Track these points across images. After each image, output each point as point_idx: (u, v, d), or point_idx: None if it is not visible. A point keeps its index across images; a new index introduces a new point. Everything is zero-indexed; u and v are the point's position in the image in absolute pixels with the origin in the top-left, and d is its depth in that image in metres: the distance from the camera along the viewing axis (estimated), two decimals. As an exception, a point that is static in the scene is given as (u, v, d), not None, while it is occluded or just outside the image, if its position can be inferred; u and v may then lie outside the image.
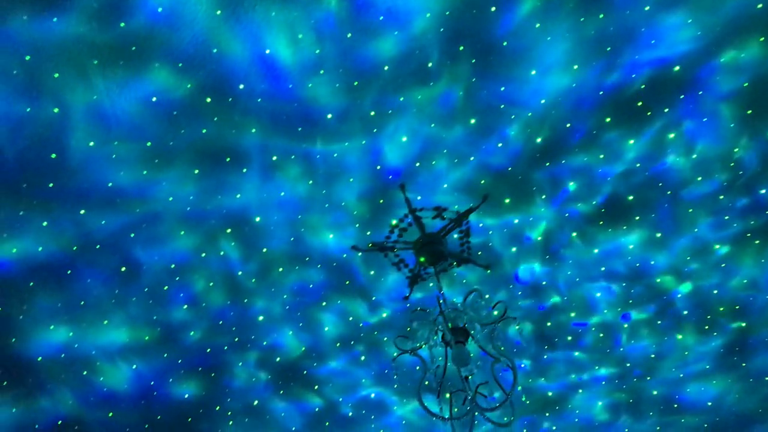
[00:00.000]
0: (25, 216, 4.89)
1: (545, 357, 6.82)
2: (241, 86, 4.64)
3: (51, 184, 4.78)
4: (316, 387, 6.65)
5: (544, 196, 5.62)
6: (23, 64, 4.24)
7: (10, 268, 5.11)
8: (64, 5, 4.10)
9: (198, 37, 4.35)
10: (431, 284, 6.02)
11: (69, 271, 5.25)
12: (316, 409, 6.83)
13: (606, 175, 5.54)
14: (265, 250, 5.58)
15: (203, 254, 5.47)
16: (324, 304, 6.06)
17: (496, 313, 5.04)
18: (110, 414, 6.29)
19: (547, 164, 5.42)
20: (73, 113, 4.49)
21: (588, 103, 5.12)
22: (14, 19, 4.07)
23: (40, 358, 5.70)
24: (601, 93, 5.07)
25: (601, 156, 5.45)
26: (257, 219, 5.38)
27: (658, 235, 5.94)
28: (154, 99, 4.57)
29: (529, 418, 7.35)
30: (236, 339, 6.08)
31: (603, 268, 6.17)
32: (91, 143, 4.66)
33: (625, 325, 6.63)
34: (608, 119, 5.23)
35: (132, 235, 5.19)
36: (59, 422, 6.22)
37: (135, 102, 4.57)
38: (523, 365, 6.85)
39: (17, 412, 6.02)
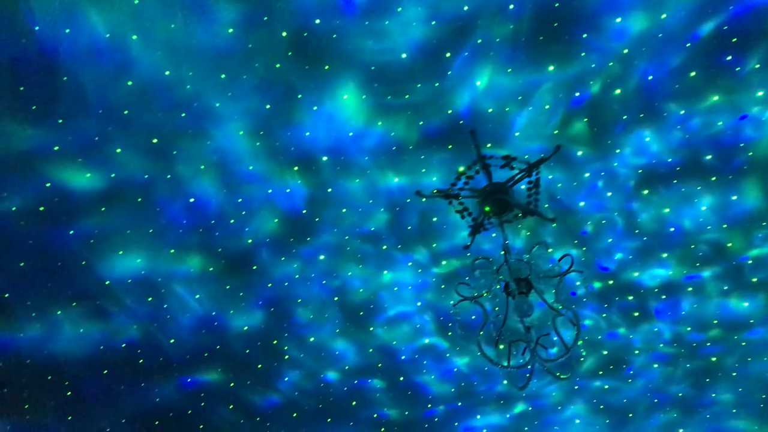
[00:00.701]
0: (100, 141, 4.97)
1: (604, 315, 6.73)
2: (317, 21, 4.57)
3: (126, 111, 4.84)
4: (372, 329, 6.72)
5: (618, 150, 5.45)
6: (105, -11, 4.26)
7: (83, 193, 5.24)
8: (147, -70, 4.09)
9: (278, -33, 4.29)
10: (494, 234, 5.94)
11: (139, 199, 5.35)
12: (370, 350, 6.92)
13: (685, 132, 5.33)
14: (330, 189, 5.57)
15: (270, 191, 5.50)
16: (384, 247, 6.06)
17: (558, 267, 4.96)
18: (171, 340, 6.49)
19: (624, 117, 5.24)
20: (151, 41, 4.51)
21: (673, 55, 4.90)
22: (98, -58, 4.08)
23: (108, 282, 5.88)
24: (688, 45, 4.84)
25: (682, 111, 5.24)
26: (324, 158, 5.37)
27: (734, 197, 5.72)
28: (230, 30, 4.54)
29: (582, 376, 7.30)
30: (297, 276, 6.15)
31: (672, 229, 6.00)
32: (167, 72, 4.68)
33: (689, 288, 6.47)
34: (693, 73, 5.00)
35: (202, 167, 5.25)
36: (123, 345, 6.45)
37: (211, 33, 4.55)
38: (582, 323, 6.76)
39: (84, 332, 6.26)
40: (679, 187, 5.70)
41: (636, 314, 6.73)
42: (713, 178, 5.62)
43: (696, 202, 5.79)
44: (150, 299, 6.09)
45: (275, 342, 6.69)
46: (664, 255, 6.21)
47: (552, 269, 4.79)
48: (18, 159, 4.96)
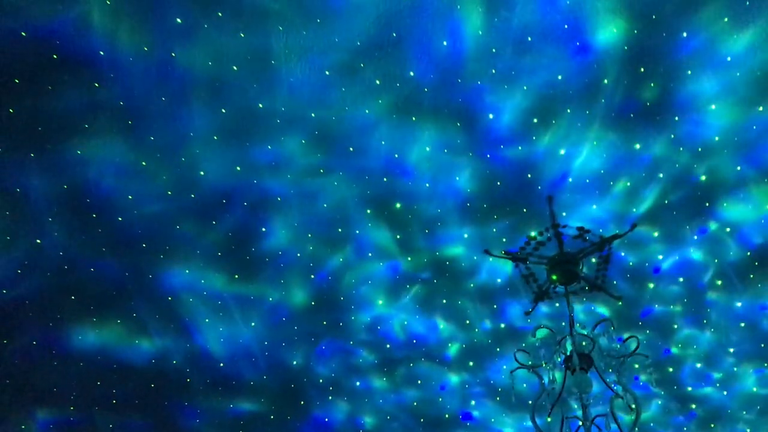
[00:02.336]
0: (185, 164, 5.10)
1: (659, 402, 6.51)
2: (411, 73, 4.65)
3: (215, 137, 4.97)
4: (420, 382, 6.66)
5: (696, 237, 5.34)
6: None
7: (156, 206, 5.37)
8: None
9: (382, 18, 4.37)
10: (557, 304, 5.86)
11: (214, 222, 5.46)
12: (414, 404, 6.84)
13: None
14: (398, 236, 5.59)
15: (339, 230, 5.54)
16: (444, 301, 6.03)
17: (618, 346, 4.88)
18: (221, 364, 6.55)
19: (707, 204, 5.15)
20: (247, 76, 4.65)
21: (765, 147, 4.81)
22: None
23: (170, 298, 6.00)
24: (784, 139, 4.76)
25: (767, 206, 5.12)
26: (397, 205, 5.39)
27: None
28: (327, 73, 4.65)
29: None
30: (352, 317, 6.16)
31: (743, 324, 5.81)
32: (260, 105, 4.81)
33: (755, 389, 6.21)
34: (786, 170, 4.91)
35: (278, 199, 5.33)
36: (174, 362, 6.54)
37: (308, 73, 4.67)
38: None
39: (138, 344, 6.38)
40: (755, 282, 5.54)
41: (693, 406, 6.49)
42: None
43: (771, 299, 5.62)
44: (207, 320, 6.18)
45: (321, 380, 6.69)
46: (731, 350, 6.01)
47: (616, 349, 4.70)
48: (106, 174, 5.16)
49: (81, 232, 5.47)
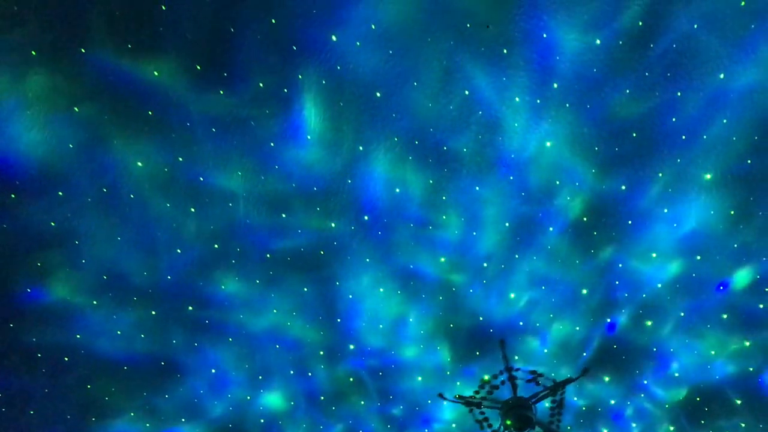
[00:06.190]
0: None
1: None
2: (366, 217, 4.79)
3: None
4: None
5: (646, 381, 5.40)
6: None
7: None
8: None
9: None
10: (511, 448, 5.75)
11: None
12: None
13: (716, 372, 5.30)
14: (351, 380, 5.53)
15: (292, 372, 5.47)
16: (399, 441, 5.89)
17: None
18: None
19: (654, 349, 5.25)
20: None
21: (704, 294, 5.00)
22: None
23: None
24: (721, 288, 4.95)
25: (712, 352, 5.24)
26: (351, 347, 5.37)
27: (765, 444, 5.55)
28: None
29: None
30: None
31: (698, 468, 5.77)
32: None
33: None
34: (725, 315, 5.07)
35: (231, 339, 5.28)
36: None
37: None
38: None
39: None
40: (706, 428, 5.55)
41: None
42: (743, 425, 5.47)
43: (725, 442, 5.62)
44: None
45: None
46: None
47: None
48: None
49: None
